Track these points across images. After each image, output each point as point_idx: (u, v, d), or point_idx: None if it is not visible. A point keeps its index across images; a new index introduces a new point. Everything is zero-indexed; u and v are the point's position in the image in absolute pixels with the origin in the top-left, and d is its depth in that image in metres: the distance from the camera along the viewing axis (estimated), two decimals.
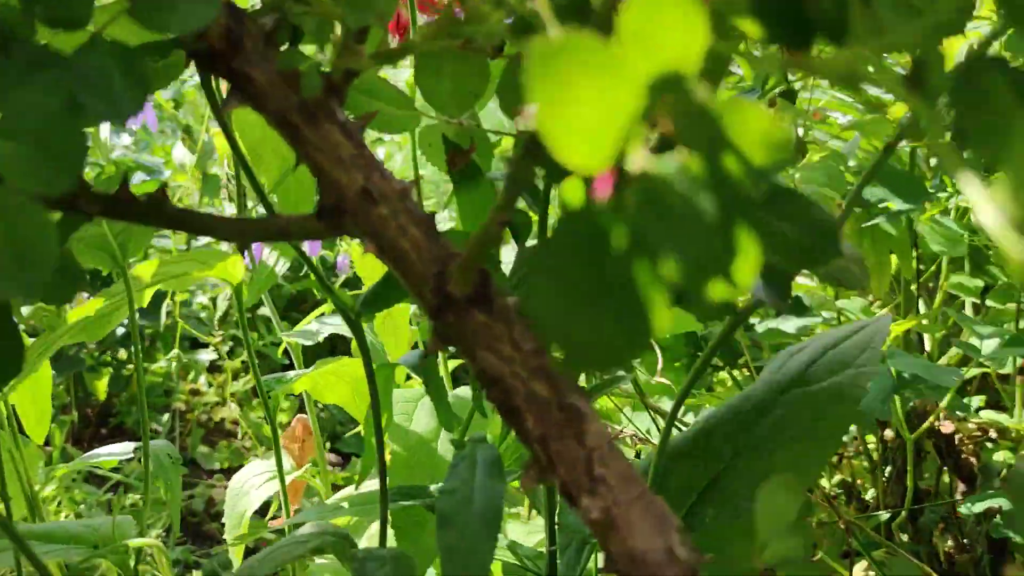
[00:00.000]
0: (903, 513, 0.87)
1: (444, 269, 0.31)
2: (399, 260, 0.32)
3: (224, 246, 0.58)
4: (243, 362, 1.78)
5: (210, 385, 1.90)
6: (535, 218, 0.51)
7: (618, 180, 0.19)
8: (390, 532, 0.57)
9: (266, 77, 0.32)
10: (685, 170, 0.19)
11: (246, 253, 0.85)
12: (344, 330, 0.80)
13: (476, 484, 0.43)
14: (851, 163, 0.81)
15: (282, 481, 0.68)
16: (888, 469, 1.05)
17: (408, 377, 0.82)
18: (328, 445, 1.85)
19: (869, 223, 0.77)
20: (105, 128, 1.62)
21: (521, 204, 0.51)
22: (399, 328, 0.75)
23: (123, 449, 0.65)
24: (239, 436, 1.85)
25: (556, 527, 0.59)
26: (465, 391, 0.69)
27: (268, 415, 0.63)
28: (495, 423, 0.66)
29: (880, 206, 0.73)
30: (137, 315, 1.39)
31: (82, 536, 0.56)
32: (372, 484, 0.65)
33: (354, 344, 0.87)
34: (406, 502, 0.56)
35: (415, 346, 0.89)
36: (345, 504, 0.55)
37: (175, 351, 1.66)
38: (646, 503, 0.30)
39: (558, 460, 0.30)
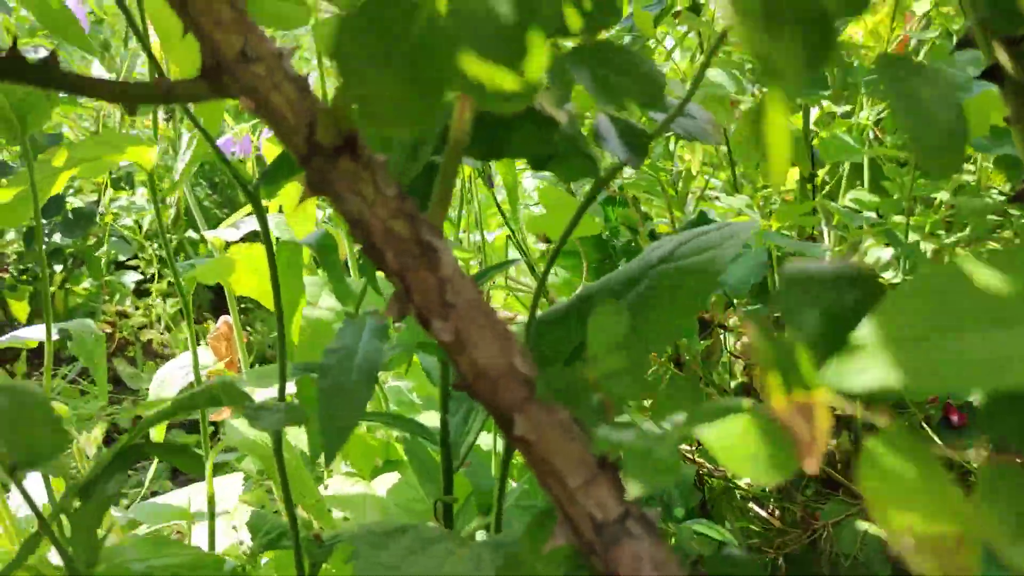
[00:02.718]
0: None
1: (314, 120, 0.35)
2: (273, 114, 0.35)
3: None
4: (170, 283, 1.79)
5: (136, 308, 1.90)
6: None
7: None
8: None
9: None
10: None
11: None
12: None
13: (361, 343, 0.47)
14: (748, 67, 0.86)
15: (196, 370, 0.71)
16: None
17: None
18: (256, 367, 1.88)
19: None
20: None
21: None
22: (308, 215, 0.78)
23: (40, 332, 0.67)
24: (168, 357, 1.86)
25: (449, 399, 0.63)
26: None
27: (183, 301, 0.65)
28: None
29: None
30: (57, 232, 1.37)
31: None
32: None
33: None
34: (308, 374, 0.60)
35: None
36: (245, 376, 0.59)
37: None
38: (491, 325, 0.34)
39: (414, 289, 0.34)
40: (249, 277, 0.70)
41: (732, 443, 0.28)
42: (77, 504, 0.44)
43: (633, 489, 0.28)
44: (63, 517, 0.46)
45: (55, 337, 0.62)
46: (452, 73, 0.21)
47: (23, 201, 0.61)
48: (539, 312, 0.55)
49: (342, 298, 0.56)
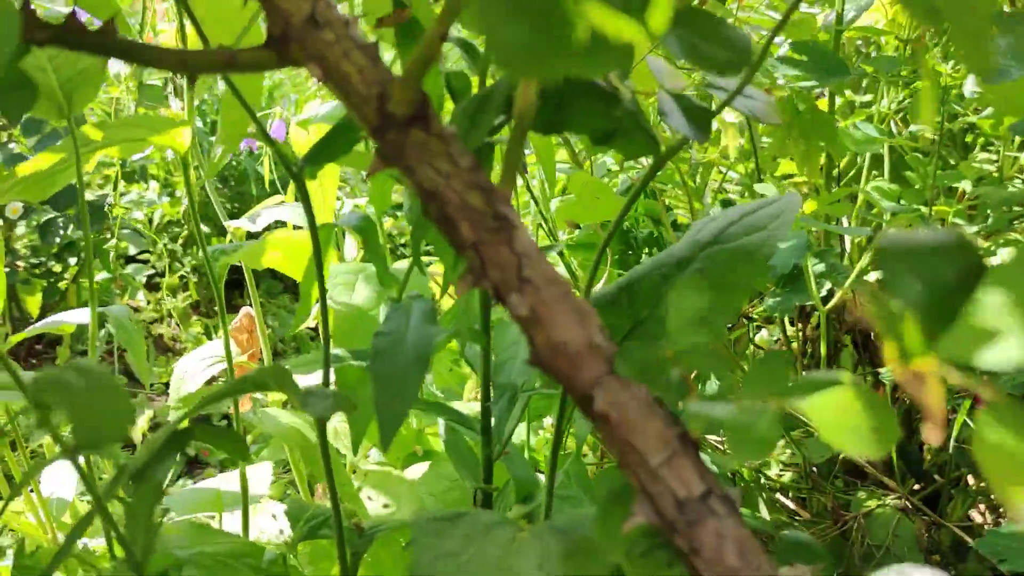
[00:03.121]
0: None
1: (385, 90, 0.34)
2: (343, 82, 0.34)
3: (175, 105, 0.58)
4: (181, 277, 1.78)
5: (148, 303, 1.89)
6: (475, 80, 0.53)
7: None
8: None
9: None
10: None
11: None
12: (286, 215, 0.82)
13: (410, 327, 0.47)
14: (781, 52, 0.85)
15: (229, 359, 0.70)
16: (807, 361, 1.12)
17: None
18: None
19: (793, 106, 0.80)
20: None
21: (461, 66, 0.53)
22: (327, 195, 0.77)
23: (80, 316, 0.66)
24: (179, 352, 1.85)
25: (491, 387, 0.62)
26: (406, 264, 0.72)
27: (214, 287, 0.65)
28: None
29: (801, 84, 0.76)
30: (71, 224, 1.37)
31: None
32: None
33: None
34: (348, 362, 0.60)
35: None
36: (288, 365, 0.58)
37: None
38: (568, 300, 0.33)
39: (490, 263, 0.33)
40: (284, 261, 0.70)
41: (834, 416, 0.28)
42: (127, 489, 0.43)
43: (734, 463, 0.27)
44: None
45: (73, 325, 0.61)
46: (579, 21, 0.20)
47: (50, 176, 0.60)
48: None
49: (385, 283, 0.55)
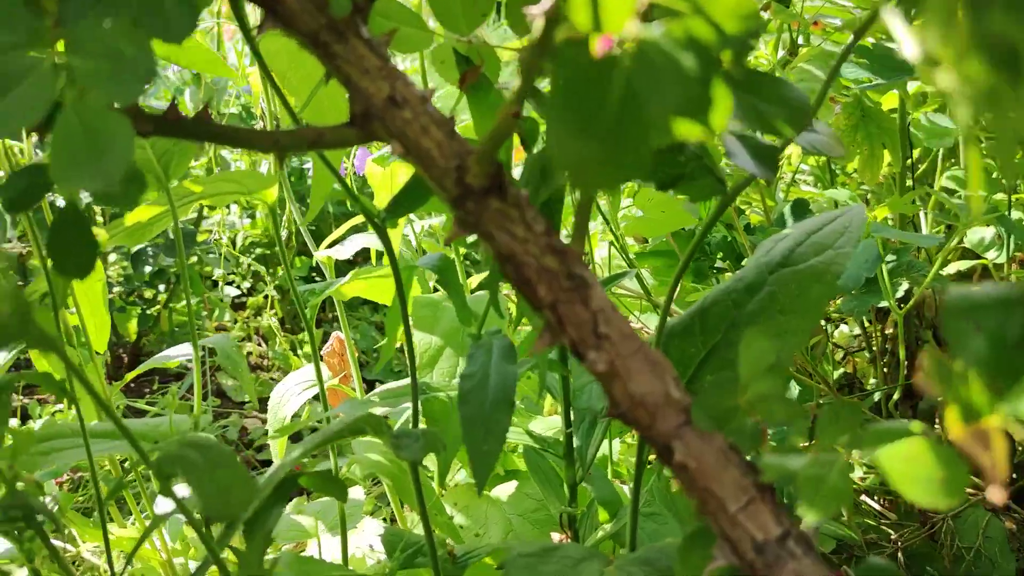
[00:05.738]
0: (897, 391, 0.92)
1: (463, 163, 0.36)
2: (423, 157, 0.36)
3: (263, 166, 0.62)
4: (265, 296, 1.84)
5: (235, 322, 1.96)
6: (542, 126, 0.55)
7: (614, 44, 0.23)
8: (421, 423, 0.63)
9: (296, 2, 0.36)
10: (669, 34, 0.23)
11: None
12: (370, 243, 0.86)
13: (492, 367, 0.49)
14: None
15: (321, 386, 0.73)
16: (887, 359, 1.11)
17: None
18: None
19: (854, 101, 0.80)
20: None
21: (530, 112, 0.55)
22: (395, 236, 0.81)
23: (185, 351, 0.71)
24: (267, 368, 1.92)
25: (571, 413, 0.64)
26: (482, 295, 0.75)
27: (305, 322, 0.68)
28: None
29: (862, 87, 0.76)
30: (160, 252, 1.43)
31: (144, 434, 0.63)
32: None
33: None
34: (433, 394, 0.62)
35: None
36: (376, 398, 0.61)
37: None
38: (645, 355, 0.35)
39: (567, 322, 0.35)
40: (369, 289, 0.74)
41: (905, 466, 0.29)
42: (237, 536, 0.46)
43: (809, 517, 0.28)
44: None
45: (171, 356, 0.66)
46: (652, 130, 0.22)
47: (148, 225, 0.65)
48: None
49: (464, 320, 0.58)
